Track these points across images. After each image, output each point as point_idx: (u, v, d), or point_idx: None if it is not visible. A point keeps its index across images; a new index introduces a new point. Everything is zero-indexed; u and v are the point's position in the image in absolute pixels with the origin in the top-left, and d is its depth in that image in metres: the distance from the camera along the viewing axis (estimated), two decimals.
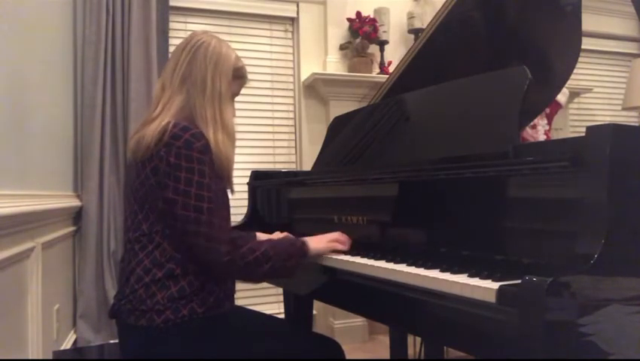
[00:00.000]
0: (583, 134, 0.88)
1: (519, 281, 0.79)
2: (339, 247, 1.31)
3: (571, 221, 0.87)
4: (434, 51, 1.79)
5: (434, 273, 0.99)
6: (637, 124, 3.49)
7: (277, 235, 1.59)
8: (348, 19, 3.01)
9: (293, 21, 3.07)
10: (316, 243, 1.28)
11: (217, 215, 1.12)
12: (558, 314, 0.74)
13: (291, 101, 3.06)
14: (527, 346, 0.77)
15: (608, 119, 3.76)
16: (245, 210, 2.01)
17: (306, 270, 1.34)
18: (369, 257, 1.21)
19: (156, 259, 1.15)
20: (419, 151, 1.41)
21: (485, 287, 0.85)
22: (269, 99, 3.01)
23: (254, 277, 1.18)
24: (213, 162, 1.17)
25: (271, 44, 3.04)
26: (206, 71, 1.22)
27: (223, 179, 1.23)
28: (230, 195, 1.29)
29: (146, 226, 1.16)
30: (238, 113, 3.07)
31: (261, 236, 1.53)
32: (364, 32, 2.94)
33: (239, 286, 2.80)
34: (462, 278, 0.92)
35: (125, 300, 1.16)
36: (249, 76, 2.68)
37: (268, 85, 3.01)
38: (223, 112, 1.24)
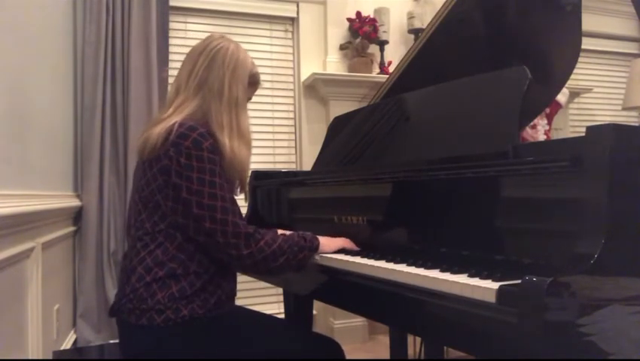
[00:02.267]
0: (583, 135, 0.88)
1: (519, 281, 0.78)
2: (349, 247, 1.33)
3: (571, 221, 0.87)
4: (434, 51, 1.79)
5: (434, 273, 0.99)
6: (637, 124, 3.49)
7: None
8: (348, 19, 3.01)
9: (293, 21, 3.07)
10: (327, 241, 1.31)
11: (230, 212, 1.14)
12: (558, 314, 0.74)
13: (291, 101, 3.06)
14: (527, 346, 0.77)
15: (608, 119, 3.76)
16: (245, 210, 2.01)
17: (306, 270, 1.34)
18: (369, 257, 1.21)
19: (158, 258, 1.15)
20: (419, 151, 1.41)
21: (485, 287, 0.85)
22: (269, 99, 3.01)
23: (270, 271, 1.20)
24: (222, 161, 1.18)
25: (271, 44, 3.04)
26: (224, 77, 1.23)
27: (227, 182, 1.23)
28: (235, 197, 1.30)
29: (149, 225, 1.17)
30: None
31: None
32: (364, 32, 2.94)
33: (239, 286, 2.79)
34: (462, 278, 0.92)
35: (125, 299, 1.16)
36: None
37: (268, 85, 3.00)
38: (239, 118, 1.25)
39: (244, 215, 1.98)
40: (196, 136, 1.14)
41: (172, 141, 1.13)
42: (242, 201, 2.10)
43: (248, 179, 1.29)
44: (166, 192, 1.15)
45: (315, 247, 1.27)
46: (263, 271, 1.21)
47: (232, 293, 1.29)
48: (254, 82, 1.32)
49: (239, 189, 1.29)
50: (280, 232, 1.53)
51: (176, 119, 1.18)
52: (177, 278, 1.14)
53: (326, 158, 1.90)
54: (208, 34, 1.39)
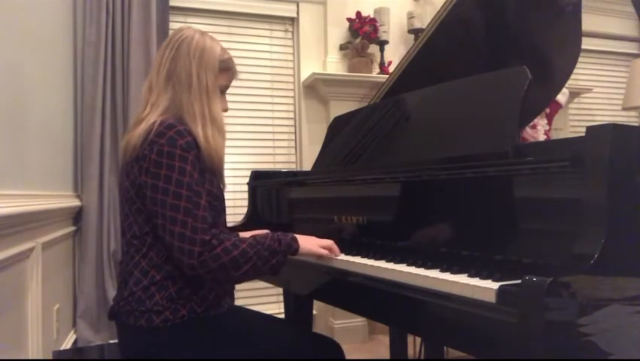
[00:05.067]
0: (583, 135, 0.88)
1: (519, 281, 0.79)
2: (328, 256, 1.26)
3: (571, 221, 0.87)
4: (434, 51, 1.79)
5: (434, 273, 0.99)
6: (637, 124, 3.48)
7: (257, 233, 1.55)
8: (348, 19, 3.01)
9: (293, 21, 3.07)
10: (308, 243, 1.24)
11: (193, 215, 1.09)
12: (558, 314, 0.74)
13: (291, 101, 3.06)
14: (527, 346, 0.77)
15: (607, 119, 3.76)
16: (245, 210, 2.01)
17: (306, 270, 1.34)
18: (369, 257, 1.21)
19: (153, 261, 1.14)
20: (419, 151, 1.41)
21: (485, 287, 0.85)
22: (269, 99, 3.01)
23: (232, 279, 1.14)
24: (199, 159, 1.15)
25: (271, 44, 3.04)
26: (191, 65, 1.20)
27: (214, 175, 1.22)
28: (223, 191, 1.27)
29: (137, 228, 1.16)
30: (238, 113, 3.06)
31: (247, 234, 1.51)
32: (364, 32, 2.94)
33: (239, 285, 2.80)
34: (462, 278, 0.92)
35: (124, 302, 1.15)
36: (249, 76, 2.67)
37: (268, 85, 3.00)
38: (211, 107, 1.21)
39: (244, 215, 2.00)
40: (172, 134, 1.11)
41: (150, 140, 1.12)
42: (243, 201, 2.10)
43: (224, 167, 1.25)
44: (144, 192, 1.13)
45: (292, 251, 1.19)
46: (223, 279, 1.15)
47: (230, 288, 1.28)
48: (225, 68, 1.27)
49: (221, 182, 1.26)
50: (257, 232, 1.47)
51: (154, 116, 1.17)
52: (174, 279, 1.14)
53: (326, 158, 1.90)
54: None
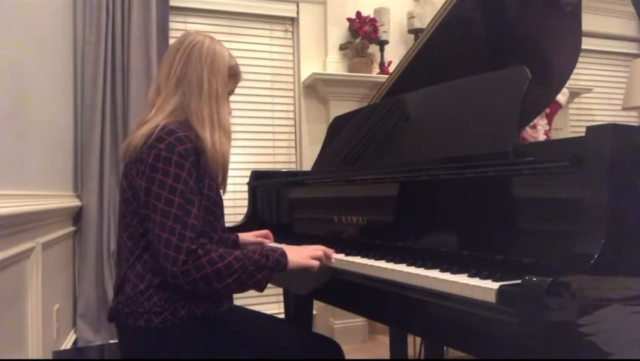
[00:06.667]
0: (583, 135, 0.88)
1: (519, 281, 0.79)
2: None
3: (571, 221, 0.87)
4: (434, 51, 1.79)
5: (434, 273, 0.99)
6: (637, 124, 3.48)
7: (258, 234, 1.56)
8: (349, 19, 3.01)
9: (293, 21, 3.07)
10: (297, 256, 1.20)
11: (183, 222, 1.07)
12: (558, 314, 0.74)
13: (291, 101, 3.06)
14: (527, 346, 0.77)
15: (607, 119, 3.76)
16: (245, 210, 2.01)
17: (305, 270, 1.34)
18: (369, 257, 1.21)
19: (148, 264, 1.14)
20: (419, 151, 1.41)
21: (485, 287, 0.85)
22: (269, 99, 3.01)
23: (214, 291, 1.12)
24: (198, 166, 1.15)
25: (271, 44, 3.04)
26: (202, 71, 1.21)
27: (213, 180, 1.22)
28: (222, 195, 1.27)
29: (132, 229, 1.16)
30: (238, 113, 3.07)
31: (246, 237, 1.52)
32: (364, 32, 2.94)
33: None
34: (462, 278, 0.92)
35: (122, 304, 1.15)
36: (249, 76, 2.68)
37: (268, 85, 3.00)
38: (220, 112, 1.23)
39: (244, 215, 2.00)
40: (172, 140, 1.11)
41: (150, 144, 1.12)
42: (243, 201, 2.10)
43: (228, 171, 1.25)
44: (139, 194, 1.13)
45: (281, 267, 1.16)
46: (205, 291, 1.11)
47: None
48: (233, 74, 1.29)
49: (223, 186, 1.26)
50: (250, 238, 1.50)
51: (158, 119, 1.17)
52: None
53: (326, 158, 1.90)
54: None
